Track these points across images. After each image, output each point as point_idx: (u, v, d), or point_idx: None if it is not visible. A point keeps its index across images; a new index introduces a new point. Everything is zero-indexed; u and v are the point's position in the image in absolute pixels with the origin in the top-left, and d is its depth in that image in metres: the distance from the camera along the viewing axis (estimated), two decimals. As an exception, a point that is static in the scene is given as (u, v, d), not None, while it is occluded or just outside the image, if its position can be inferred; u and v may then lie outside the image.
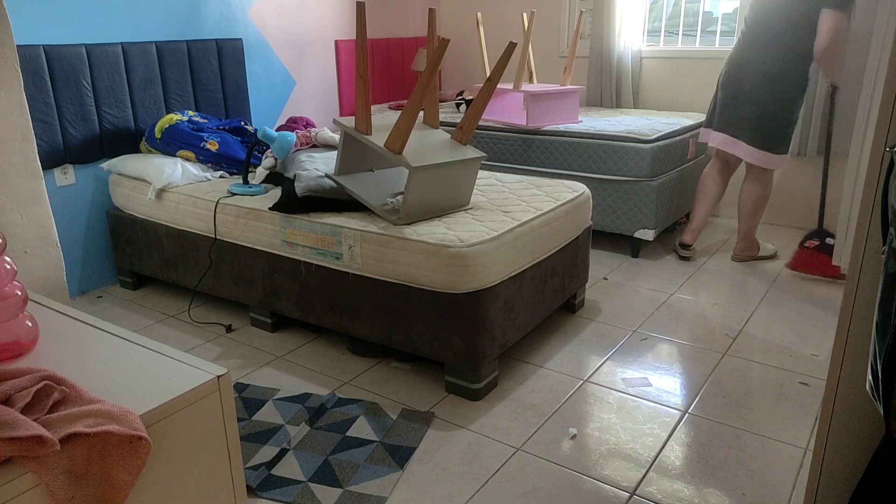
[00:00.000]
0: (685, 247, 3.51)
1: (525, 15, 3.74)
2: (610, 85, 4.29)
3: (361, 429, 2.06)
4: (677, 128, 3.56)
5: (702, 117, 3.86)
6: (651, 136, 3.34)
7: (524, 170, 3.74)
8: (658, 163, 3.36)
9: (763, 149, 3.17)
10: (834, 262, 2.99)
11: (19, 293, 1.11)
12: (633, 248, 3.56)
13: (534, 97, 3.63)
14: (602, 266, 3.44)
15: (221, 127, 3.20)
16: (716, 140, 3.32)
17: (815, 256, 3.22)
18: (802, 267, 3.26)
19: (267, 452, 1.95)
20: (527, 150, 3.72)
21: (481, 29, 3.85)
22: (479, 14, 3.88)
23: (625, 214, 3.47)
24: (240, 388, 2.31)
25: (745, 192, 3.36)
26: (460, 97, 4.51)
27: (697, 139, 3.72)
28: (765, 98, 3.11)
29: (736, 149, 3.24)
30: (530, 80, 3.94)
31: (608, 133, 3.45)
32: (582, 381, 2.34)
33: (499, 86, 3.77)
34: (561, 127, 3.63)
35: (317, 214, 2.45)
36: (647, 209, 3.40)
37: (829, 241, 3.21)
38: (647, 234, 3.43)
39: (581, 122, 3.76)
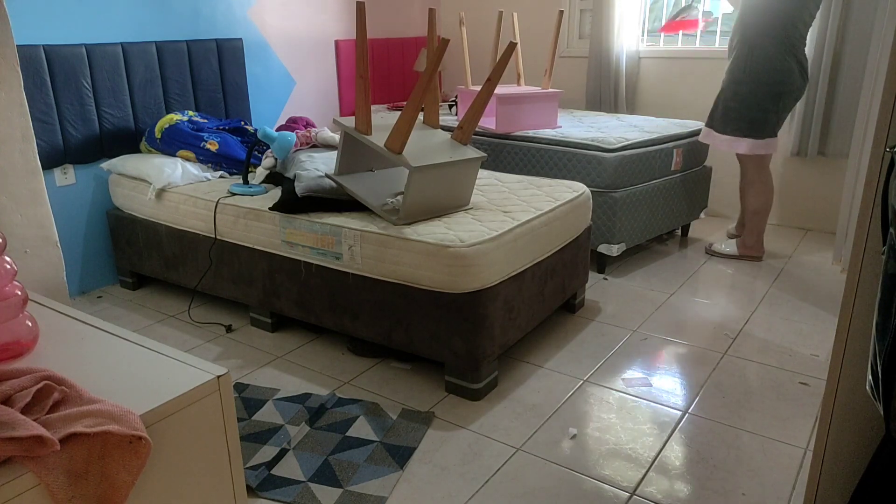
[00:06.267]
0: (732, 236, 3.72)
1: (499, 14, 3.64)
2: (609, 86, 4.27)
3: (361, 429, 2.06)
4: (654, 136, 3.31)
5: (701, 119, 3.84)
6: (615, 144, 3.14)
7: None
8: (624, 173, 3.14)
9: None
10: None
11: (19, 293, 1.11)
12: (600, 263, 3.34)
13: (501, 100, 3.43)
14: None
15: (221, 127, 3.20)
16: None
17: None
18: None
19: (267, 452, 1.95)
20: (497, 156, 3.54)
21: (464, 29, 3.70)
22: (462, 14, 3.72)
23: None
24: (240, 388, 2.31)
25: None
26: (456, 99, 4.50)
27: (683, 150, 3.48)
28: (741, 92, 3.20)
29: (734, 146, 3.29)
30: (518, 82, 3.81)
31: (572, 140, 3.26)
32: (582, 381, 2.34)
33: (472, 87, 3.62)
34: (530, 132, 3.44)
35: (317, 214, 2.45)
36: (610, 222, 3.17)
37: None
38: (611, 250, 3.20)
39: (560, 127, 3.56)
